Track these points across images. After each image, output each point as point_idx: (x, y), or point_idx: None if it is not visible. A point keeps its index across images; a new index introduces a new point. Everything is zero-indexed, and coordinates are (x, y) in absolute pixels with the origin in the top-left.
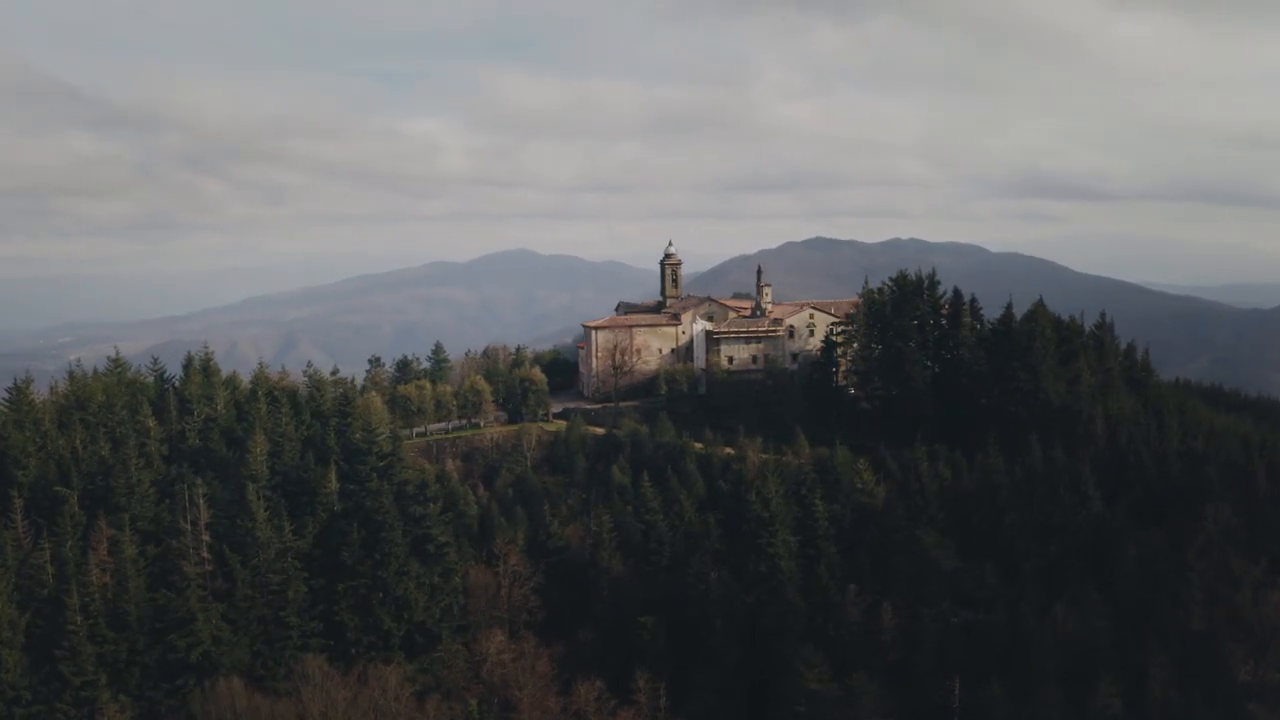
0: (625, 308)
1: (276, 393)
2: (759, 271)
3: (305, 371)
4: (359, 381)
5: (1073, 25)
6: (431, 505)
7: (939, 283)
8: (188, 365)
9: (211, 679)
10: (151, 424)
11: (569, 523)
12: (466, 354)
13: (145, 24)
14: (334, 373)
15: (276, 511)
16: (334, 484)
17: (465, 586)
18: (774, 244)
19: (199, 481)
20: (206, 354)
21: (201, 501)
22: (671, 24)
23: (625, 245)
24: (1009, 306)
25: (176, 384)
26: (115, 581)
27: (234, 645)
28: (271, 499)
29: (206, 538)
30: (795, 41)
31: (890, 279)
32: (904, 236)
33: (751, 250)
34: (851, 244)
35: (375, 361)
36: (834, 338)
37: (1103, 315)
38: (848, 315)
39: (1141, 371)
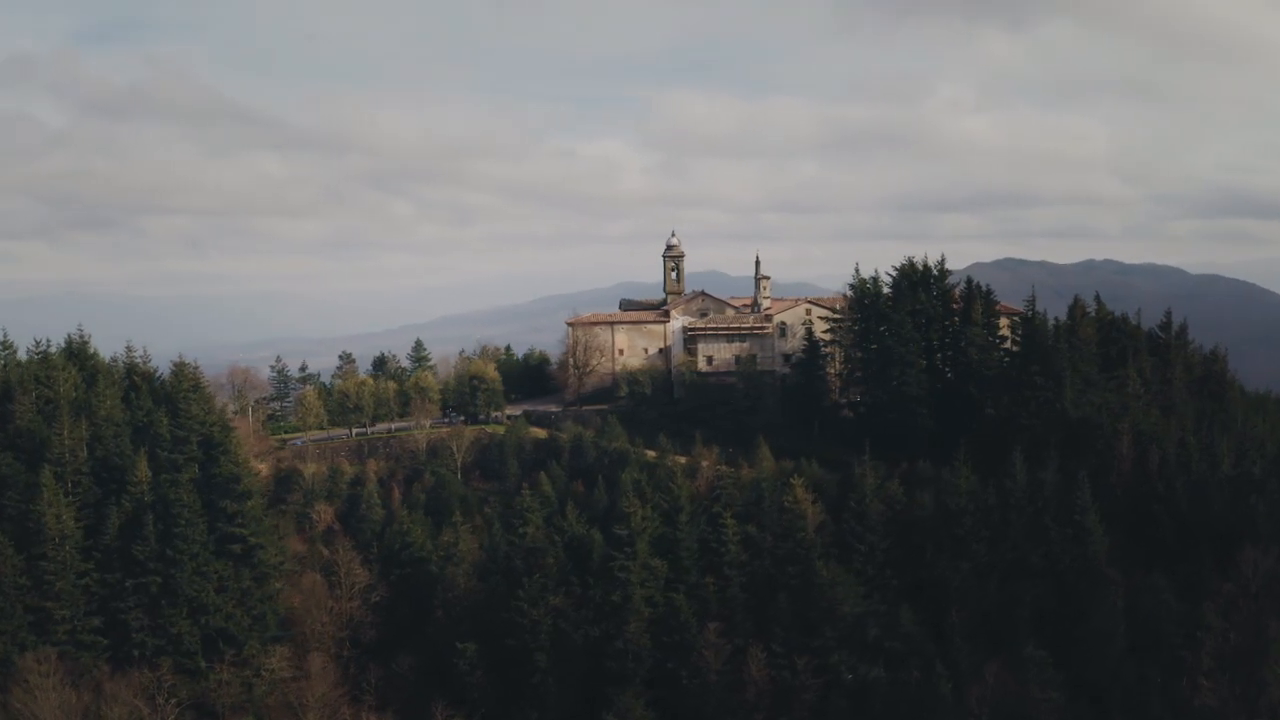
0: (627, 304)
1: (136, 379)
2: (757, 262)
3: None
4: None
5: (1264, 29)
6: (248, 502)
7: (949, 272)
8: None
9: None
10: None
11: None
12: (460, 353)
13: (322, 51)
14: None
15: (85, 500)
16: (144, 473)
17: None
18: (961, 265)
19: None
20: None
21: None
22: (835, 39)
23: (813, 266)
24: (1032, 300)
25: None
26: None
27: None
28: (81, 485)
29: None
30: (963, 52)
31: (894, 266)
32: (1098, 258)
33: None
34: (1042, 265)
35: (346, 357)
36: (821, 336)
37: (1168, 314)
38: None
39: (1215, 384)
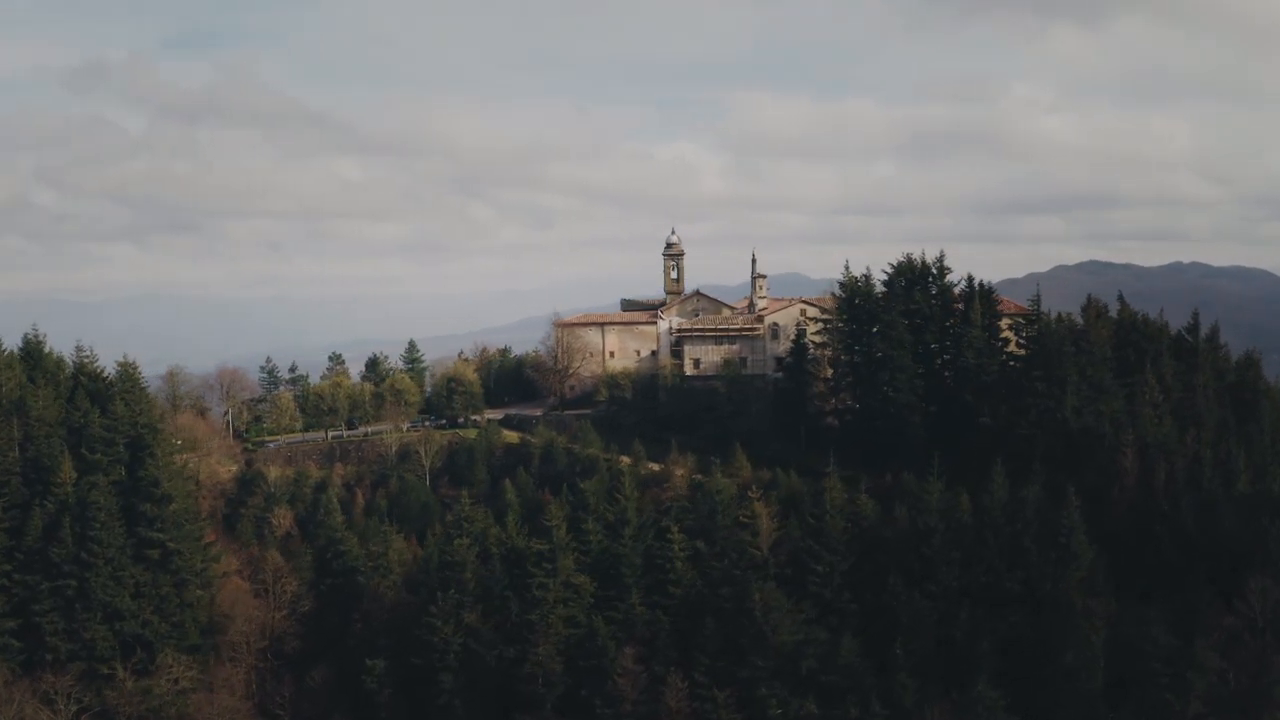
0: (629, 304)
1: (83, 379)
2: (753, 260)
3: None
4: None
5: None
6: (169, 506)
7: (950, 270)
8: None
9: None
10: None
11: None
12: (460, 354)
13: (395, 56)
14: None
15: (13, 500)
16: (69, 474)
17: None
18: (1044, 268)
19: None
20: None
21: None
22: (902, 39)
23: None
24: (1037, 298)
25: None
26: None
27: None
28: (10, 486)
29: None
30: (1035, 49)
31: (890, 263)
32: (1186, 260)
33: (1019, 274)
34: (1128, 268)
35: (336, 358)
36: (809, 338)
37: (1195, 314)
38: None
39: (1248, 392)
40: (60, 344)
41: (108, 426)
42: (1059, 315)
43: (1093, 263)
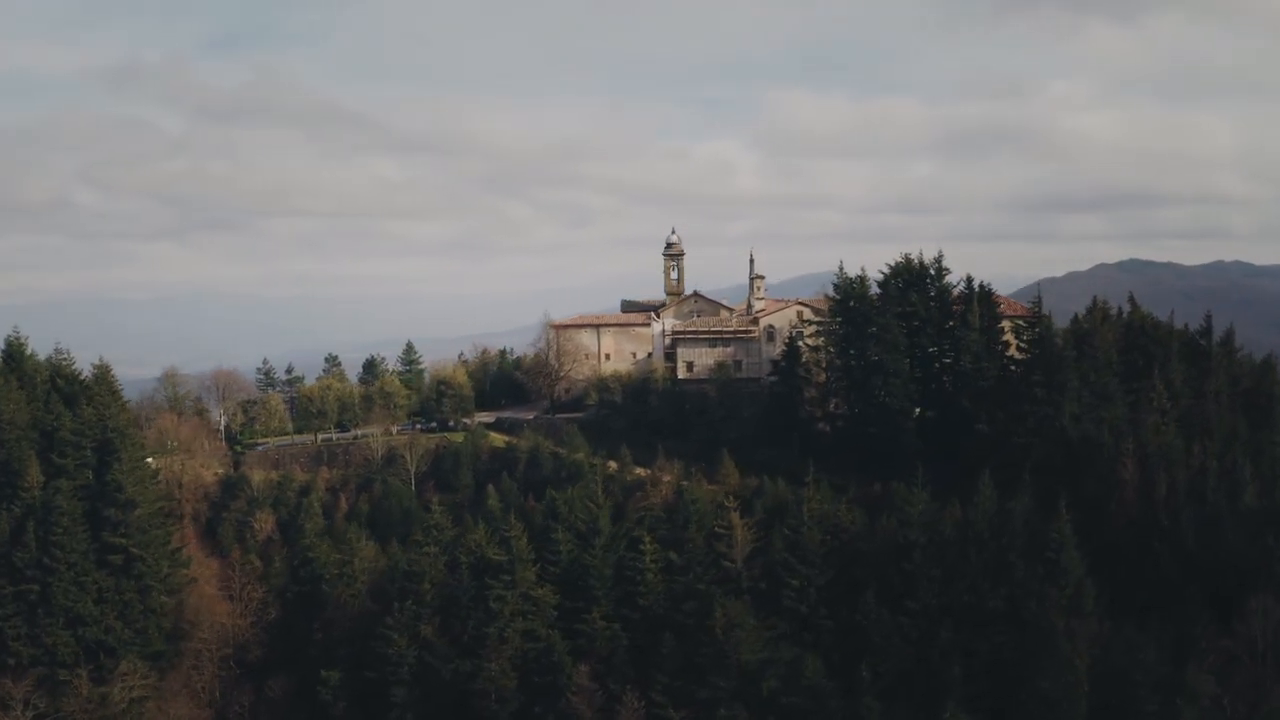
0: (629, 305)
1: (59, 382)
2: (751, 260)
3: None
4: None
5: None
6: (134, 511)
7: (948, 270)
8: None
9: None
10: None
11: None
12: (460, 356)
13: (431, 55)
14: None
15: None
16: (35, 478)
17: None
18: (1084, 266)
19: None
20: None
21: None
22: (935, 37)
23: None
24: (1038, 299)
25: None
26: None
27: None
28: None
29: None
30: (1070, 46)
31: (887, 264)
32: (1228, 259)
33: (1059, 273)
34: (1169, 266)
35: (332, 360)
36: (807, 341)
37: (1208, 316)
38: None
39: (1264, 398)
40: (104, 344)
41: (76, 430)
42: (1081, 315)
43: (1134, 261)
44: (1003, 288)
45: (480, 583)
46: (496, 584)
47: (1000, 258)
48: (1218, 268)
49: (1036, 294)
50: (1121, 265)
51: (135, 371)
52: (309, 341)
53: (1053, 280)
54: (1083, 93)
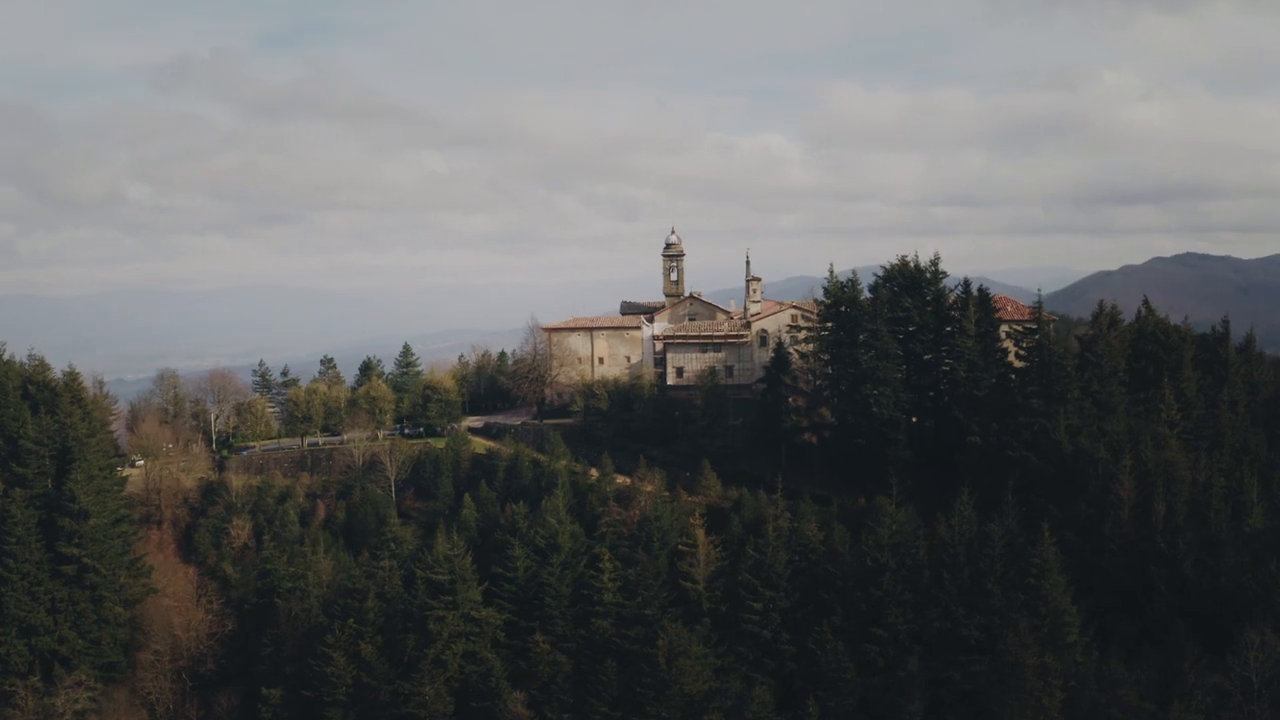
0: (628, 307)
1: (31, 388)
2: (747, 262)
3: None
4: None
5: None
6: (88, 521)
7: (945, 274)
8: None
9: None
10: None
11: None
12: (460, 358)
13: (480, 49)
14: None
15: None
16: None
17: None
18: (1139, 260)
19: None
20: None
21: None
22: (987, 28)
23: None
24: (1039, 304)
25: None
26: None
27: None
28: None
29: None
30: (1122, 36)
31: (882, 266)
32: None
33: (1114, 267)
34: (1226, 260)
35: (328, 362)
36: (793, 348)
37: (1225, 320)
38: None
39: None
40: (160, 333)
41: (36, 439)
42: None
43: (1190, 255)
44: (1058, 282)
45: (421, 605)
46: (437, 605)
47: (1055, 251)
48: (1276, 261)
49: (1038, 297)
50: (1178, 259)
51: (191, 364)
52: (361, 332)
53: (1107, 274)
54: (1135, 83)
